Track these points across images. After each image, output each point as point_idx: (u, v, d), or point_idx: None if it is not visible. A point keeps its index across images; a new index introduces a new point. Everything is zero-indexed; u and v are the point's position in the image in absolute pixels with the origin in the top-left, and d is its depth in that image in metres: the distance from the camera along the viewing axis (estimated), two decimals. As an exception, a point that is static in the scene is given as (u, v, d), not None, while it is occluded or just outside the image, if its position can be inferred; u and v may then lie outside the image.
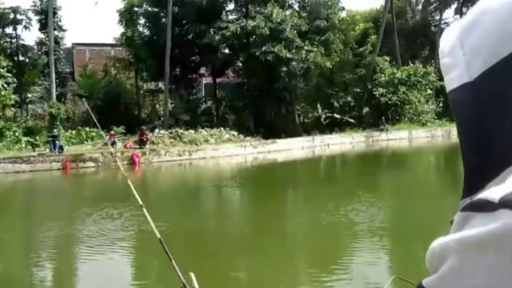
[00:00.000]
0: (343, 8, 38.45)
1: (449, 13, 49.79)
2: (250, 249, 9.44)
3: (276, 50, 31.61)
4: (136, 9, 36.22)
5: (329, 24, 35.59)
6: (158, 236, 3.69)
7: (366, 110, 36.73)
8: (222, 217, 12.61)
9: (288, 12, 36.72)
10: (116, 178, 20.59)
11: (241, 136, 29.92)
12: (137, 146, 26.93)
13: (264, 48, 31.66)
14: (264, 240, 9.96)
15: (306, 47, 33.48)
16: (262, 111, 33.70)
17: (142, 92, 38.81)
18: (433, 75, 37.73)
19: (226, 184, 19.62)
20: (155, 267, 8.17)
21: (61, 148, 25.39)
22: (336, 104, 36.53)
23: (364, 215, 11.43)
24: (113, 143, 27.57)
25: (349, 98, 37.17)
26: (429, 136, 33.77)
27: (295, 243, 9.95)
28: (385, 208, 12.46)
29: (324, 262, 8.50)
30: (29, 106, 33.66)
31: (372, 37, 40.88)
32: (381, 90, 35.88)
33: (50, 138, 25.62)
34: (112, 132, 28.57)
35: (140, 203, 4.23)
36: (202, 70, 38.58)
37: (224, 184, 19.59)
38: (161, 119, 34.12)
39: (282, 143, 29.55)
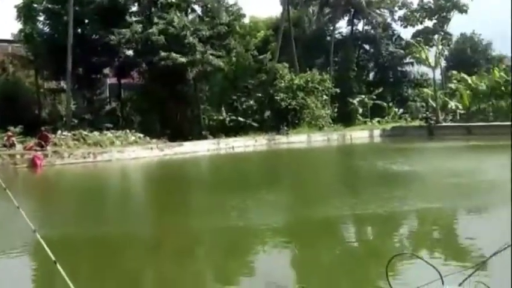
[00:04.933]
0: (244, 15, 38.77)
1: (342, 23, 51.95)
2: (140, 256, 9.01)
3: (174, 56, 31.35)
4: (35, 5, 34.04)
5: (230, 30, 35.83)
6: (33, 227, 3.55)
7: (268, 113, 37.34)
8: (118, 221, 11.88)
9: (191, 17, 36.55)
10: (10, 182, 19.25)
11: (148, 138, 29.20)
12: (39, 148, 25.33)
13: (162, 55, 31.30)
14: (160, 244, 9.58)
15: (209, 51, 33.50)
16: (168, 113, 33.15)
17: (42, 90, 36.58)
18: (328, 82, 39.14)
19: (128, 186, 19.09)
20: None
21: None
22: (239, 108, 36.82)
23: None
24: (12, 145, 25.77)
25: (252, 102, 37.60)
26: (325, 140, 34.96)
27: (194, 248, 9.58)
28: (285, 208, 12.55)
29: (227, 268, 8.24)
30: None
31: (272, 44, 41.67)
32: (281, 95, 36.62)
33: None
34: (10, 133, 26.66)
35: (17, 205, 3.98)
36: (106, 70, 37.12)
37: (125, 186, 19.05)
38: (64, 119, 32.44)
39: (188, 146, 29.22)
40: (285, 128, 34.93)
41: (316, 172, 21.24)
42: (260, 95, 37.82)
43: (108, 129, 29.69)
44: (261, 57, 38.94)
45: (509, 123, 34.23)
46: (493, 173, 16.09)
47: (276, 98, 36.71)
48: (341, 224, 11.01)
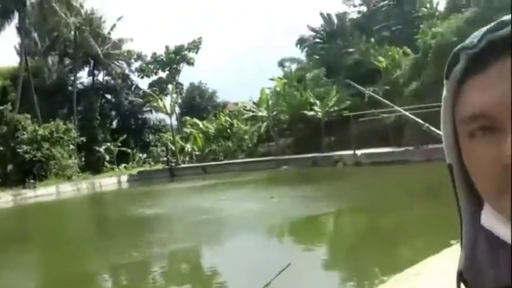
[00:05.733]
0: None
1: (83, 73, 51.59)
2: None
3: None
4: None
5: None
6: None
7: (10, 167, 34.87)
8: None
9: None
10: None
11: None
12: None
13: None
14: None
15: None
16: None
17: None
18: (74, 131, 38.59)
19: None
20: None
21: None
22: (-22, 164, 33.58)
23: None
24: None
25: (-8, 157, 34.65)
26: (75, 189, 34.29)
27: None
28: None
29: None
30: None
31: (12, 94, 39.33)
32: (24, 147, 34.72)
33: None
34: None
35: None
36: None
37: None
38: None
39: None
40: (32, 181, 33.18)
41: (69, 225, 20.86)
42: (1, 148, 35.14)
43: None
44: (1, 107, 36.33)
45: (235, 160, 39.15)
46: (230, 207, 18.28)
47: (18, 150, 34.63)
48: (100, 278, 10.85)
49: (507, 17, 0.55)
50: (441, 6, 41.69)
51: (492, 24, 0.56)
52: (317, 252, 10.76)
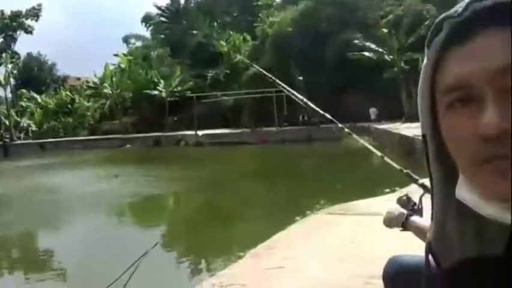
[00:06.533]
0: None
1: None
2: None
3: None
4: None
5: None
6: None
7: None
8: None
9: None
10: None
11: None
12: None
13: None
14: None
15: None
16: None
17: None
18: None
19: None
20: None
21: None
22: None
23: None
24: None
25: None
26: None
27: None
28: None
29: None
30: None
31: None
32: None
33: None
34: None
35: None
36: None
37: None
38: None
39: None
40: None
41: None
42: None
43: None
44: None
45: (76, 138, 37.53)
46: (72, 187, 17.52)
47: None
48: None
49: None
50: (279, -3, 44.08)
51: None
52: (170, 232, 10.64)
